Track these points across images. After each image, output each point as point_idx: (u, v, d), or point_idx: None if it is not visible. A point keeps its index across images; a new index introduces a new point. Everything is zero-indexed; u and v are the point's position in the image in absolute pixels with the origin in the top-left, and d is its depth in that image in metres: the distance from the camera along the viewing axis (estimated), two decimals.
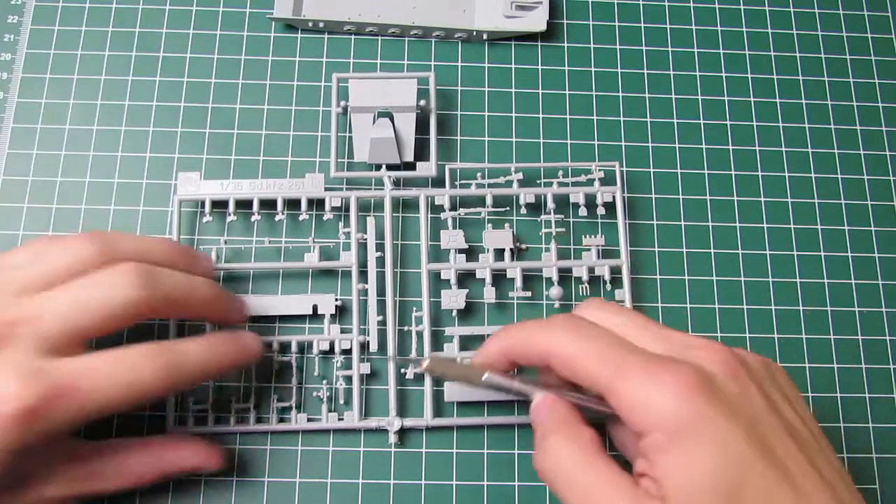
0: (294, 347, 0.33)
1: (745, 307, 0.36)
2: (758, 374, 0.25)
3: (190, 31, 0.39)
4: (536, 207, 0.36)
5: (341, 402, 0.33)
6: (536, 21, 0.39)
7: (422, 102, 0.35)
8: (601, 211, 0.35)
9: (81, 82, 0.38)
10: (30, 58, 0.38)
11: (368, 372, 0.33)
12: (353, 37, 0.39)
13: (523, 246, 0.36)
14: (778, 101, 0.39)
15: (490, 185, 0.35)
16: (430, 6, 0.39)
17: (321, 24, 0.38)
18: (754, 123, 0.38)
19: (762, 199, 0.37)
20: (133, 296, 0.27)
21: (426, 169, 0.35)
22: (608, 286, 0.35)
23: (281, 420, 0.33)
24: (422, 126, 0.36)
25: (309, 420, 0.33)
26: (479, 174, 0.36)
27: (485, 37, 0.39)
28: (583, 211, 0.35)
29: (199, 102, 0.37)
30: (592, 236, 0.35)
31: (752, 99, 0.39)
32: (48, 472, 0.28)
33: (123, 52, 0.38)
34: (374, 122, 0.35)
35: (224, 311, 0.32)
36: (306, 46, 0.39)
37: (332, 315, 0.34)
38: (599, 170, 0.36)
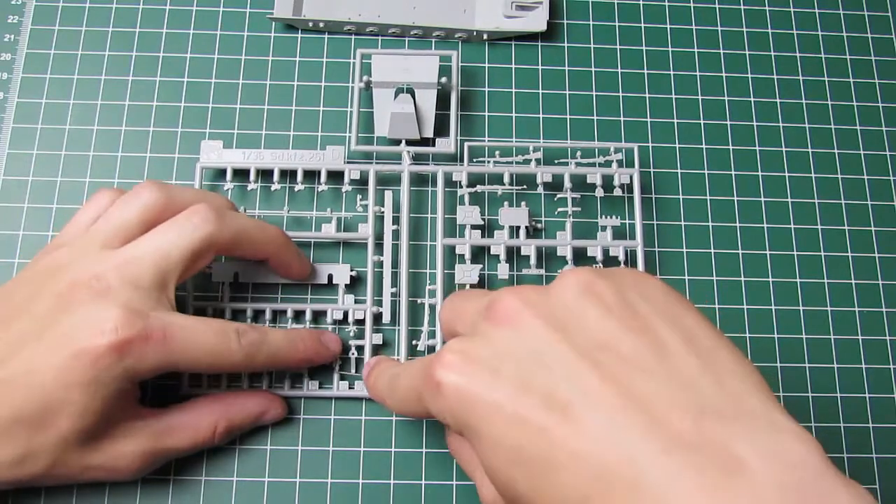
0: (308, 316, 0.34)
1: (745, 307, 0.36)
2: (549, 305, 0.22)
3: (190, 31, 0.39)
4: (555, 187, 0.36)
5: (353, 371, 0.33)
6: (536, 21, 0.39)
7: (443, 80, 0.36)
8: (618, 192, 0.36)
9: (81, 82, 0.38)
10: (30, 58, 0.38)
11: (381, 342, 0.34)
12: (353, 37, 0.39)
13: (539, 224, 0.36)
14: (778, 101, 0.39)
15: (508, 163, 0.36)
16: (430, 6, 0.39)
17: (321, 24, 0.38)
18: (754, 123, 0.38)
19: (762, 199, 0.37)
20: (210, 229, 0.29)
21: (445, 145, 0.36)
22: (622, 266, 0.35)
23: (293, 387, 0.33)
24: (443, 103, 0.37)
25: (320, 387, 0.33)
26: (497, 152, 0.36)
27: (485, 37, 0.39)
28: (599, 192, 0.35)
29: (199, 102, 0.37)
30: (608, 217, 0.35)
31: (752, 99, 0.39)
32: (124, 427, 0.29)
33: (123, 52, 0.38)
34: (395, 98, 0.36)
35: (288, 260, 0.33)
36: (306, 46, 0.39)
37: (346, 285, 0.34)
38: (617, 151, 0.36)
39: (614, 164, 0.36)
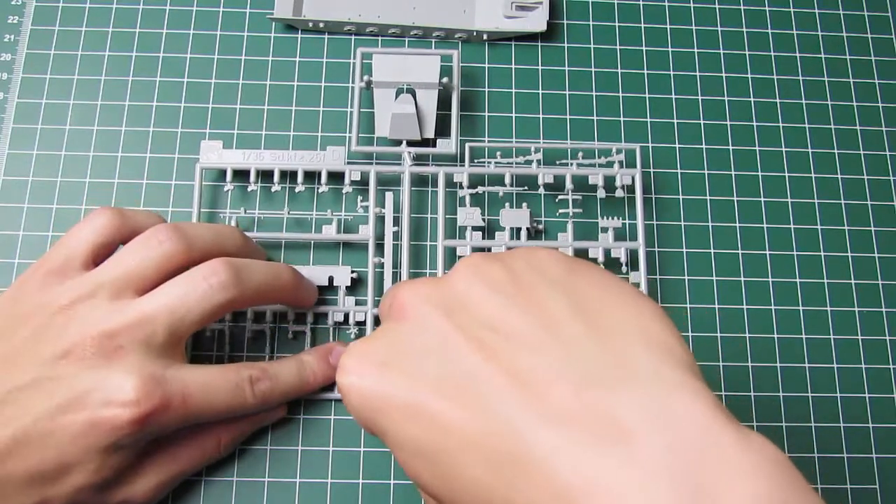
0: (309, 318, 0.34)
1: (745, 307, 0.36)
2: (441, 293, 0.22)
3: (190, 31, 0.39)
4: (556, 188, 0.36)
5: None
6: (536, 21, 0.39)
7: (444, 80, 0.36)
8: (619, 193, 0.35)
9: (81, 82, 0.38)
10: (30, 58, 0.38)
11: None
12: (353, 37, 0.39)
13: (540, 225, 0.36)
14: (778, 101, 0.39)
15: (509, 164, 0.36)
16: (430, 6, 0.39)
17: (321, 25, 0.38)
18: (754, 123, 0.39)
19: (762, 199, 0.37)
20: (229, 296, 0.28)
21: (446, 146, 0.36)
22: (624, 268, 0.35)
23: None
24: (443, 104, 0.37)
25: (321, 389, 0.33)
26: (498, 153, 0.36)
27: (485, 37, 0.39)
28: (601, 193, 0.35)
29: (199, 103, 0.37)
30: (610, 218, 0.35)
31: (752, 99, 0.39)
32: (137, 467, 0.29)
33: (123, 53, 0.38)
34: (396, 98, 0.36)
35: (300, 297, 0.33)
36: (306, 47, 0.39)
37: (347, 287, 0.34)
38: (619, 151, 0.36)
39: (616, 165, 0.36)
